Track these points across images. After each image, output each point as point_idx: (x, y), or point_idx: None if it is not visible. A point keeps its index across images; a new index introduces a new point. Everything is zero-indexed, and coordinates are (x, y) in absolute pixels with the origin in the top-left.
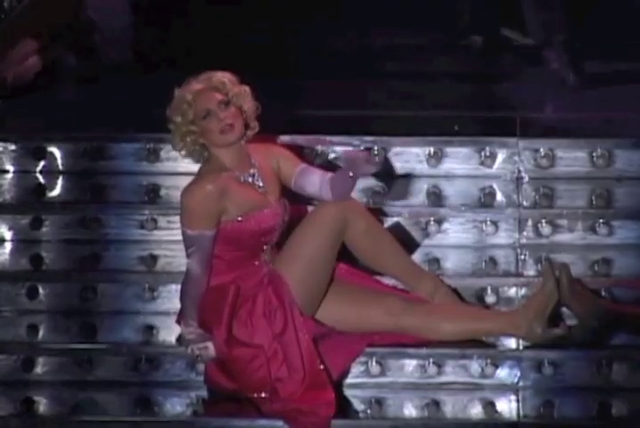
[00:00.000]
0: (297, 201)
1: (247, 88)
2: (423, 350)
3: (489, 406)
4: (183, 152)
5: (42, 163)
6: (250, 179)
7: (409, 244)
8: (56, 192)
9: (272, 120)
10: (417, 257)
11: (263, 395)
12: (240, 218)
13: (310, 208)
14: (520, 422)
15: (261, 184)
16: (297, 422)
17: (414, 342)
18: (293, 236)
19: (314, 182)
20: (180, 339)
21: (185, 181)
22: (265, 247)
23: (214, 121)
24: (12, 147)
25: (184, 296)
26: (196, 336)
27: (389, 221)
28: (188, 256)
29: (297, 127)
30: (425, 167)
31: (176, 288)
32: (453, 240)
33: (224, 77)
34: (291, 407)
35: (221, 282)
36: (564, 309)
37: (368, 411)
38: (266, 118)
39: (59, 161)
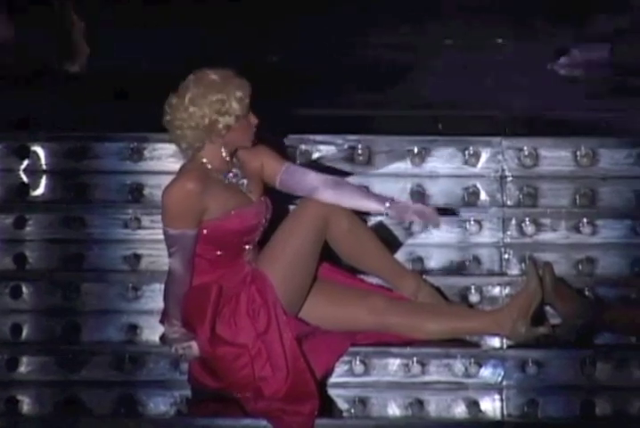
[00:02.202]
0: (279, 201)
1: None
2: (407, 350)
3: (473, 405)
4: (183, 143)
5: (25, 162)
6: (233, 179)
7: (393, 243)
8: (40, 191)
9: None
10: (401, 256)
11: (247, 394)
12: (221, 217)
13: (292, 207)
14: (504, 421)
15: (244, 183)
16: (281, 421)
17: (397, 341)
18: (276, 235)
19: (305, 180)
20: (163, 338)
21: (169, 180)
22: (247, 246)
23: (249, 122)
24: None
25: (167, 295)
26: (179, 335)
27: (372, 220)
28: (170, 255)
29: (281, 126)
30: (409, 166)
31: (159, 287)
32: (436, 239)
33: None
34: (275, 407)
35: (204, 281)
36: (548, 308)
37: (352, 410)
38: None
39: (42, 160)
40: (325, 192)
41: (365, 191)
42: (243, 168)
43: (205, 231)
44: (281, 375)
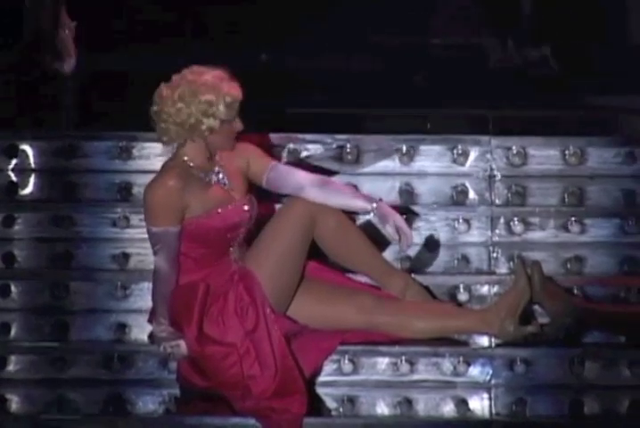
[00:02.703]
0: (266, 199)
1: None
2: (396, 348)
3: (462, 403)
4: (164, 137)
5: (14, 161)
6: (215, 177)
7: (381, 242)
8: (28, 190)
9: (244, 118)
10: (389, 255)
11: (235, 393)
12: (203, 215)
13: (279, 206)
14: (492, 420)
15: (226, 181)
16: (269, 419)
17: (386, 340)
18: (263, 233)
19: (291, 179)
20: (151, 337)
21: None
22: (232, 244)
23: (233, 127)
24: None
25: (154, 294)
26: (167, 334)
27: (361, 219)
28: (155, 253)
29: (269, 124)
30: (397, 165)
31: (148, 286)
32: (425, 238)
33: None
34: (263, 405)
35: (190, 280)
36: (536, 307)
37: (341, 409)
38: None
39: (31, 159)
40: (312, 190)
41: (353, 190)
42: (227, 167)
43: (188, 229)
44: (269, 374)
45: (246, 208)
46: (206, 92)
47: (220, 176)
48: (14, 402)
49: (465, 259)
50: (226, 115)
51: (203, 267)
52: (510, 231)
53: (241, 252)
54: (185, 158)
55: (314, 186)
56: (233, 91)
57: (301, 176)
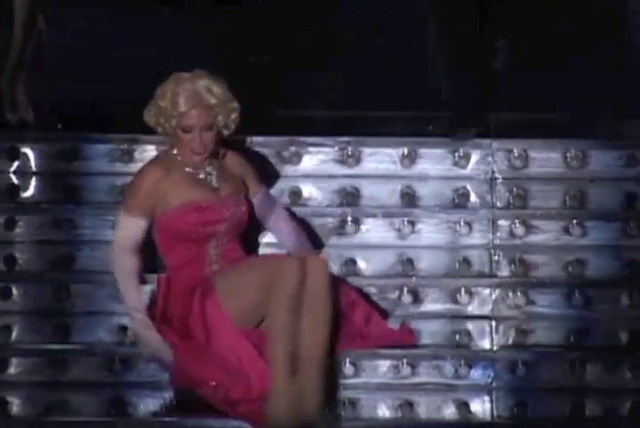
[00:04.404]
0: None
1: (237, 106)
2: (397, 351)
3: (463, 406)
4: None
5: (16, 164)
6: (203, 175)
7: (383, 245)
8: (30, 192)
9: (247, 121)
10: (391, 258)
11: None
12: (179, 207)
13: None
14: (493, 422)
15: (215, 182)
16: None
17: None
18: (245, 270)
19: (270, 216)
20: (135, 336)
21: None
22: (209, 240)
23: (190, 138)
24: None
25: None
26: (142, 325)
27: (364, 222)
28: (114, 241)
29: (271, 127)
30: (399, 167)
31: (149, 289)
32: (426, 241)
33: (221, 94)
34: (254, 408)
35: (168, 277)
36: None
37: (342, 412)
38: (241, 118)
39: (32, 162)
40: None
41: (301, 246)
42: (223, 168)
43: (165, 222)
44: (243, 381)
45: (228, 207)
46: (162, 97)
47: (210, 175)
48: (15, 405)
49: (467, 261)
50: (175, 123)
51: (180, 265)
52: (511, 234)
53: (220, 252)
54: (174, 151)
55: (275, 226)
56: (191, 99)
57: (279, 219)
